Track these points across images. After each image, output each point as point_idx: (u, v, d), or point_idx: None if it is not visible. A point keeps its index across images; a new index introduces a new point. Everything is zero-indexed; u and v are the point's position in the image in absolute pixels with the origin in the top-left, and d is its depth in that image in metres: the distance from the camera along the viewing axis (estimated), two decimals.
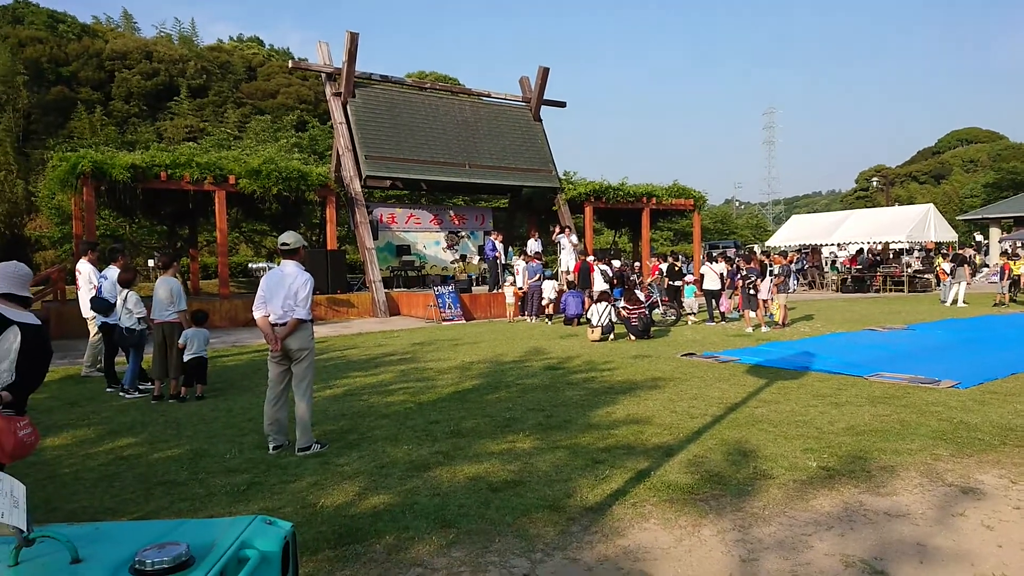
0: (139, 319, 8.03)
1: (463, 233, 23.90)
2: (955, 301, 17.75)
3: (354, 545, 3.53)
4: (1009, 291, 18.25)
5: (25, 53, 41.02)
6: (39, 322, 3.23)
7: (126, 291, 8.03)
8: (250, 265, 29.56)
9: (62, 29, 48.39)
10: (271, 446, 5.36)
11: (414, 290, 19.50)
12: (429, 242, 22.97)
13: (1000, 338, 11.20)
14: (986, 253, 32.79)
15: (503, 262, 19.27)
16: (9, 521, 1.45)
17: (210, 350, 8.12)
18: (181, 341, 7.62)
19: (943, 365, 8.46)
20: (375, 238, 19.22)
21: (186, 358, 7.60)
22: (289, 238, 5.45)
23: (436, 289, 16.64)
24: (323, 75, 19.47)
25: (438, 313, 16.13)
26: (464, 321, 16.27)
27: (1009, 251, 27.26)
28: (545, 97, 22.56)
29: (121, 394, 7.97)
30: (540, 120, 22.71)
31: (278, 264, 5.56)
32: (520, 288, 16.50)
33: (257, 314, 5.40)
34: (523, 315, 16.32)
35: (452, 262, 22.96)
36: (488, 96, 22.30)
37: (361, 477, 4.66)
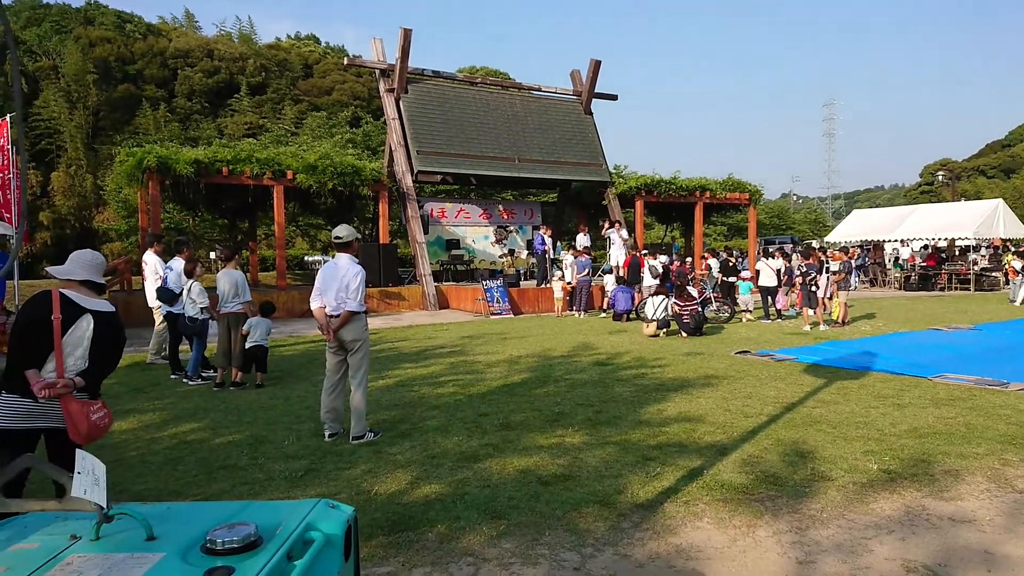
0: (202, 308, 8.33)
1: (512, 228, 23.94)
2: None
3: (407, 532, 3.60)
4: None
5: (95, 53, 42.88)
6: (112, 308, 3.37)
7: (191, 281, 8.34)
8: (306, 258, 30.31)
9: (129, 29, 50.41)
10: (327, 433, 5.50)
11: (463, 284, 19.63)
12: (478, 236, 23.10)
13: None
14: None
15: (552, 257, 19.23)
16: (91, 497, 1.53)
17: (269, 340, 8.38)
18: (244, 328, 7.89)
19: (1012, 367, 8.07)
20: (425, 232, 19.44)
21: (248, 345, 7.86)
22: (342, 231, 5.57)
23: (484, 283, 16.73)
24: (377, 71, 19.78)
25: (487, 307, 16.22)
26: (512, 315, 16.32)
27: None
28: (596, 90, 22.38)
29: (185, 381, 8.29)
30: (591, 113, 22.54)
31: (333, 257, 5.68)
32: (569, 283, 16.44)
33: (314, 305, 5.54)
34: (572, 310, 16.26)
35: (500, 256, 23.03)
36: (538, 90, 22.26)
37: (413, 466, 4.74)
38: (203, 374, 8.43)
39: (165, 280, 8.92)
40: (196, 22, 63.80)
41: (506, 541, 3.48)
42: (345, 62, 21.93)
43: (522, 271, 21.89)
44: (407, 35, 18.30)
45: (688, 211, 24.28)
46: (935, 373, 7.75)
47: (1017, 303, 17.08)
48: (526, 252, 23.52)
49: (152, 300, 9.68)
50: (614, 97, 23.13)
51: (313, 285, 5.61)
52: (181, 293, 8.50)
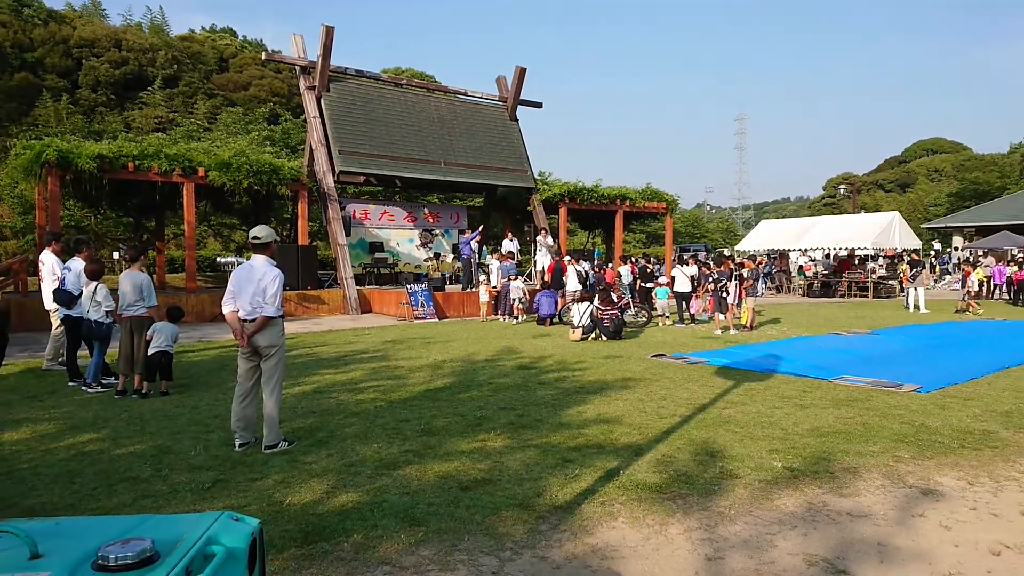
0: (107, 312, 7.86)
1: (437, 231, 23.82)
2: (917, 307, 18.21)
3: (321, 543, 3.50)
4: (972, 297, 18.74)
5: None
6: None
7: (95, 284, 7.85)
8: (218, 259, 29.10)
9: (27, 14, 47.07)
10: (237, 443, 5.28)
11: (386, 288, 19.37)
12: (402, 239, 22.85)
13: (960, 344, 11.52)
14: (948, 261, 33.65)
15: (478, 261, 19.25)
16: None
17: (176, 346, 7.98)
18: (149, 333, 7.48)
19: (905, 369, 8.67)
20: (348, 234, 19.05)
21: (150, 351, 7.46)
22: (260, 232, 5.37)
23: (409, 287, 16.56)
24: (297, 68, 19.25)
25: (410, 311, 16.05)
26: (437, 320, 16.22)
27: (970, 259, 28.07)
28: (522, 97, 22.61)
29: (84, 388, 7.79)
30: (516, 120, 22.74)
31: (247, 259, 5.47)
32: (494, 287, 16.51)
33: (226, 309, 5.31)
34: (497, 314, 16.32)
35: (426, 260, 22.86)
36: (464, 94, 22.26)
37: (329, 475, 4.62)
38: (104, 381, 7.96)
39: (63, 281, 8.33)
40: (103, 10, 60.29)
41: (424, 548, 3.44)
42: (263, 57, 21.26)
43: (447, 275, 21.81)
44: (329, 32, 17.92)
45: (609, 218, 24.88)
46: (835, 375, 8.23)
47: (911, 309, 18.40)
48: (451, 256, 23.45)
49: (49, 303, 9.03)
50: (539, 105, 23.43)
51: (226, 288, 5.38)
52: (80, 295, 7.98)
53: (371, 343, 11.78)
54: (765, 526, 3.74)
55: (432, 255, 22.97)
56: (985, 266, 23.42)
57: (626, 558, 3.35)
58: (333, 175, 18.40)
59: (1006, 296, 22.30)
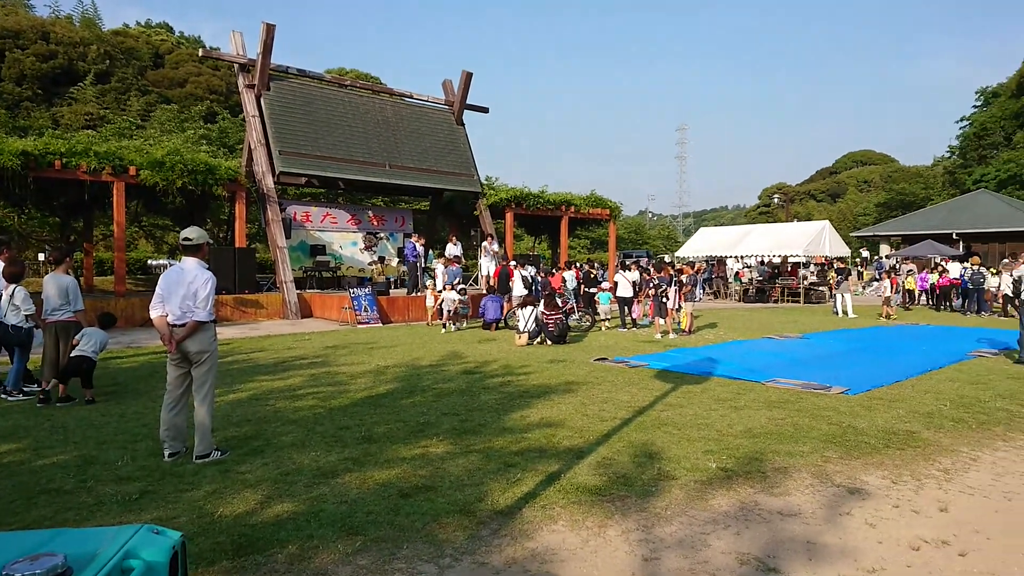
0: (27, 316, 7.46)
1: (382, 234, 23.55)
2: (845, 312, 19.03)
3: (254, 555, 3.40)
4: (904, 301, 19.65)
5: None
6: None
7: (13, 286, 7.45)
8: (150, 262, 28.03)
9: None
10: (167, 453, 5.08)
11: (328, 292, 19.03)
12: (346, 242, 22.50)
13: (886, 348, 12.08)
14: (883, 267, 35.29)
15: (423, 265, 19.12)
16: None
17: (104, 352, 7.63)
18: (76, 338, 7.14)
19: (834, 372, 9.03)
20: (288, 237, 18.65)
21: (72, 355, 7.10)
22: (192, 233, 5.20)
23: (352, 291, 16.30)
24: (236, 66, 18.75)
25: (353, 316, 15.80)
26: (381, 324, 16.01)
27: (897, 266, 29.51)
28: (468, 102, 22.61)
29: (3, 396, 7.37)
30: (463, 124, 22.73)
31: (180, 261, 5.29)
32: (440, 291, 16.40)
33: (154, 313, 5.11)
34: (443, 319, 16.21)
35: (370, 263, 22.56)
36: (410, 97, 22.12)
37: (264, 485, 4.49)
38: (25, 388, 7.56)
39: None
40: (28, 1, 57.20)
41: (362, 557, 3.38)
42: (200, 54, 20.59)
43: (392, 279, 21.58)
44: (270, 30, 17.52)
45: (555, 224, 25.13)
46: (768, 378, 8.51)
47: (839, 315, 19.20)
48: (396, 260, 23.22)
49: None
50: (485, 110, 23.48)
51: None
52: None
53: (311, 348, 11.54)
54: (700, 526, 3.83)
55: (377, 259, 22.69)
56: (908, 272, 24.63)
57: (565, 561, 3.38)
58: (273, 176, 17.98)
59: (927, 302, 23.50)
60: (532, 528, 3.76)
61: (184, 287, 5.04)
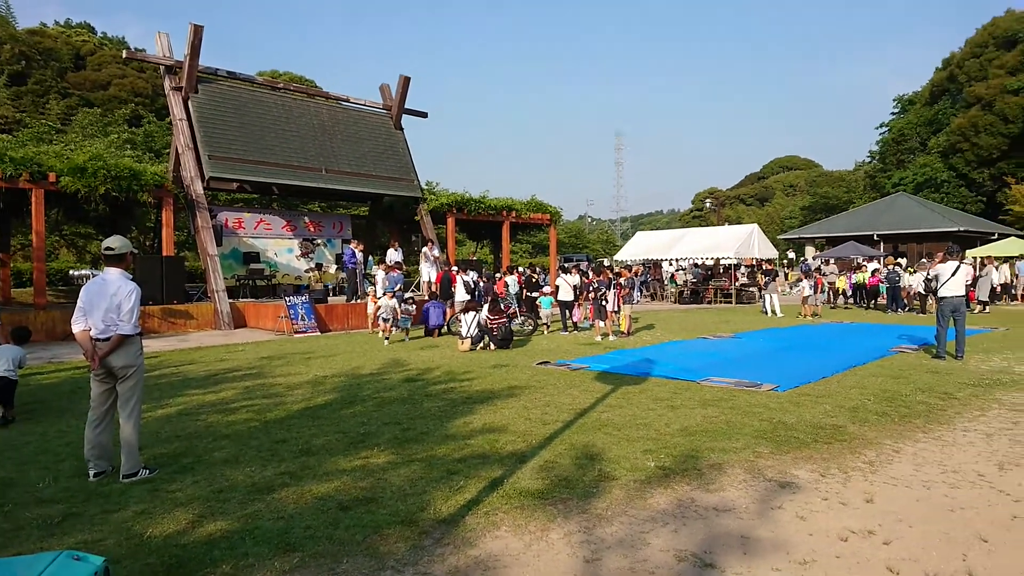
0: None
1: (319, 241, 23.09)
2: (774, 311, 19.77)
3: None
4: (829, 300, 20.49)
5: None
6: None
7: None
8: (71, 272, 26.64)
9: None
10: (92, 473, 4.83)
11: (263, 300, 18.51)
12: (281, 249, 21.95)
13: (813, 345, 12.62)
14: (803, 269, 36.83)
15: (363, 272, 18.82)
16: None
17: (23, 369, 7.19)
18: None
19: (764, 370, 9.37)
20: (219, 244, 18.03)
21: None
22: (115, 242, 4.97)
23: (288, 299, 15.89)
24: (162, 68, 18.06)
25: (290, 325, 15.41)
26: (319, 333, 15.67)
27: (822, 267, 30.84)
28: (406, 106, 22.45)
29: None
30: (401, 129, 22.55)
31: (103, 271, 5.04)
32: (380, 298, 16.16)
33: (76, 328, 4.85)
34: (380, 327, 15.99)
35: (307, 271, 22.08)
36: (347, 101, 21.78)
37: (196, 503, 4.32)
38: None
39: None
40: None
41: (300, 574, 3.29)
42: (124, 55, 19.75)
43: (331, 286, 21.16)
44: (198, 32, 16.96)
45: (496, 229, 25.19)
46: (702, 377, 8.75)
47: (768, 314, 19.93)
48: (335, 267, 22.79)
49: None
50: (424, 114, 23.35)
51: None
52: None
53: (245, 360, 11.19)
54: (639, 525, 3.90)
55: (314, 265, 22.22)
56: (841, 272, 25.77)
57: (508, 567, 3.37)
58: (202, 181, 17.38)
59: (855, 301, 24.62)
60: (475, 535, 3.75)
61: (107, 299, 4.81)
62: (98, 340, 4.81)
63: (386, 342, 13.40)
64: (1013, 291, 23.72)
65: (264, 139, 18.64)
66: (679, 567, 3.37)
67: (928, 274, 11.98)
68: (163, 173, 17.75)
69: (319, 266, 22.31)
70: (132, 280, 4.98)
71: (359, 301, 17.27)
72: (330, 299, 18.32)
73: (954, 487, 4.50)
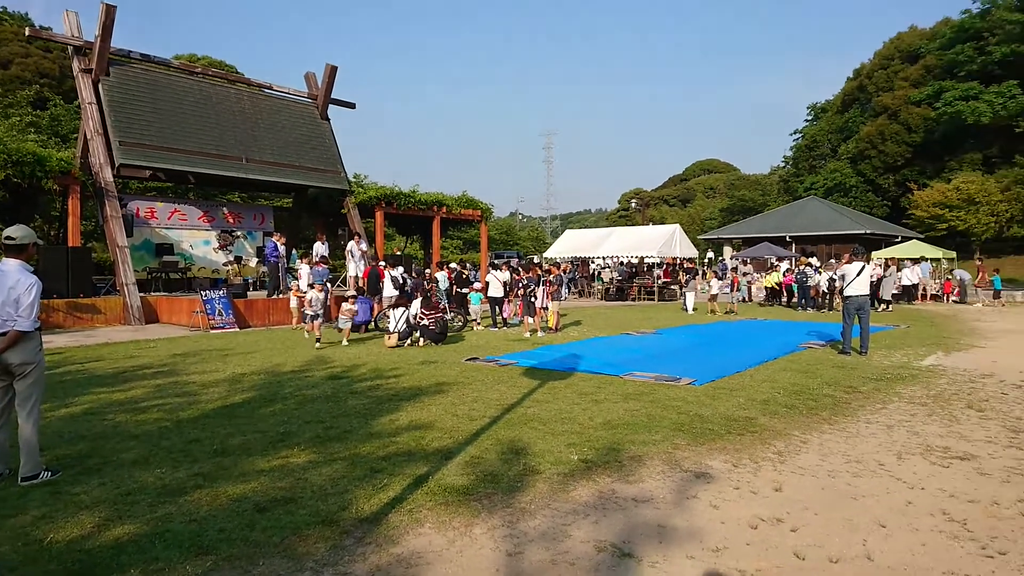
0: None
1: (239, 233, 22.28)
2: (695, 308, 20.49)
3: None
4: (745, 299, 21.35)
5: None
6: None
7: None
8: None
9: None
10: None
11: (177, 294, 17.69)
12: (197, 241, 21.05)
13: (728, 341, 13.15)
14: (722, 268, 38.32)
15: (286, 266, 18.27)
16: None
17: None
18: None
19: (683, 365, 9.71)
20: (129, 235, 17.12)
21: None
22: (17, 232, 4.65)
23: (204, 294, 15.25)
24: (70, 48, 16.93)
25: (206, 320, 14.80)
26: (238, 329, 15.12)
27: (739, 267, 32.17)
28: (333, 96, 21.91)
29: None
30: (328, 119, 21.99)
31: (1, 263, 4.70)
32: (304, 293, 15.73)
33: None
34: (307, 322, 15.59)
35: (225, 264, 21.26)
36: (270, 88, 21.06)
37: (102, 506, 4.10)
38: None
39: None
40: None
41: None
42: (27, 33, 18.34)
43: (251, 280, 20.44)
44: (109, 11, 15.99)
45: (427, 224, 24.95)
46: (625, 371, 8.99)
47: (688, 311, 20.62)
48: (256, 260, 22.03)
49: None
50: (352, 105, 22.86)
51: None
52: None
53: (157, 357, 10.68)
54: (562, 517, 3.97)
55: (232, 258, 21.42)
56: (744, 273, 26.96)
57: (431, 564, 3.37)
58: (112, 168, 16.44)
59: (773, 300, 25.76)
60: (398, 533, 3.72)
61: (4, 292, 4.50)
62: None
63: (317, 344, 11.88)
64: (915, 292, 25.38)
65: (180, 126, 17.79)
66: (598, 557, 3.45)
67: (835, 274, 12.68)
68: (70, 159, 16.70)
69: (238, 259, 21.52)
70: (33, 273, 4.67)
71: (281, 296, 16.77)
72: (250, 294, 17.71)
73: (856, 476, 4.79)
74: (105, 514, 3.98)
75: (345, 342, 12.39)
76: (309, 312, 12.76)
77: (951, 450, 5.43)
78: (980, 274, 25.12)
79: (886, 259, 26.14)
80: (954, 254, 30.47)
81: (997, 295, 24.91)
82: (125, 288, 15.90)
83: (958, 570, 3.31)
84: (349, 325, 12.81)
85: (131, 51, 17.60)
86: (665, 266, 30.19)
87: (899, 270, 24.87)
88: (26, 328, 4.53)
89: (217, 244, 21.52)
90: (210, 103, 18.92)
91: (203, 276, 19.89)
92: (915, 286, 24.95)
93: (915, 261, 26.19)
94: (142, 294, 16.41)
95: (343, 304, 13.11)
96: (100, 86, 16.56)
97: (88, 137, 16.72)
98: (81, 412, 6.73)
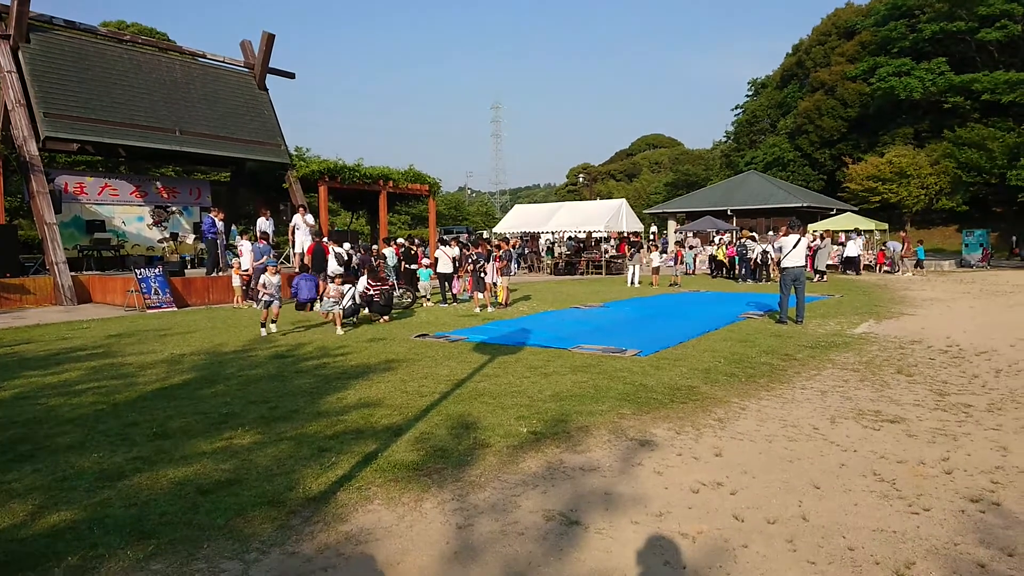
0: None
1: (174, 208, 21.44)
2: (640, 282, 20.88)
3: (26, 572, 3.00)
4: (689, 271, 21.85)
5: None
6: None
7: None
8: None
9: None
10: None
11: (110, 273, 16.99)
12: (130, 217, 20.18)
13: (672, 313, 13.47)
14: (665, 242, 39.01)
15: (225, 242, 17.70)
16: None
17: None
18: None
19: (629, 337, 9.90)
20: (58, 211, 16.26)
21: None
22: None
23: (139, 272, 14.67)
24: None
25: (141, 300, 14.27)
26: (175, 308, 14.64)
27: (682, 241, 32.83)
28: (271, 66, 21.16)
29: None
30: (266, 90, 21.26)
31: None
32: (246, 271, 15.32)
33: None
34: (249, 300, 15.21)
35: (160, 241, 20.48)
36: (203, 57, 20.17)
37: (36, 493, 3.95)
38: None
39: None
40: None
41: (156, 562, 3.12)
42: None
43: (188, 258, 19.75)
44: None
45: (373, 199, 24.46)
46: (573, 345, 9.12)
47: (633, 284, 21.00)
48: (193, 237, 21.29)
49: None
50: (291, 75, 22.16)
51: None
52: None
53: (90, 338, 10.26)
54: (511, 488, 4.03)
55: (168, 235, 20.64)
56: (691, 247, 27.55)
57: (380, 540, 3.38)
58: (37, 141, 15.54)
59: (714, 271, 26.41)
60: (347, 511, 3.71)
61: None
62: None
63: (263, 331, 10.61)
64: (859, 263, 26.41)
65: (109, 96, 16.90)
66: (547, 526, 3.52)
67: (771, 246, 13.08)
68: None
69: (175, 236, 20.75)
70: None
71: (221, 274, 16.27)
72: (188, 272, 17.13)
73: (792, 440, 5.00)
74: (39, 501, 3.84)
75: (340, 330, 10.82)
76: (265, 297, 10.98)
77: (881, 414, 5.71)
78: (905, 245, 26.38)
79: (822, 231, 27.06)
80: (886, 226, 31.77)
81: (920, 264, 26.23)
82: (55, 267, 15.16)
83: (887, 527, 3.50)
84: (339, 309, 11.16)
85: (53, 16, 16.56)
86: (620, 241, 30.53)
87: (835, 243, 25.82)
88: None
89: (151, 220, 20.67)
90: (140, 72, 18.02)
91: (137, 254, 19.08)
92: (858, 258, 25.99)
93: (857, 234, 27.21)
94: (73, 273, 15.69)
95: (330, 285, 11.72)
96: (20, 54, 15.56)
97: (9, 108, 15.71)
98: (11, 397, 6.43)
